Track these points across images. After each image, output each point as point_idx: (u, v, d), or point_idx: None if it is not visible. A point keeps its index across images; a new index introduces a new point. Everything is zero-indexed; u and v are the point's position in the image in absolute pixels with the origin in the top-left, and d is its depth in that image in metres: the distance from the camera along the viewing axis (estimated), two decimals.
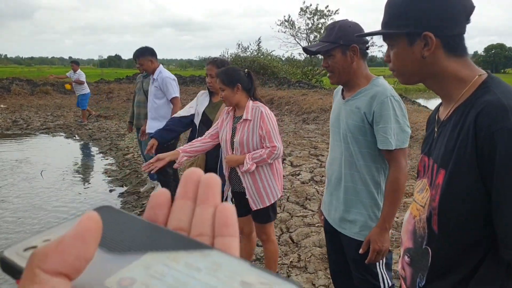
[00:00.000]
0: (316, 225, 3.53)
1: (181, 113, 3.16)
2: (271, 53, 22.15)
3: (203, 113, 2.98)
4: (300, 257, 3.06)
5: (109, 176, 5.82)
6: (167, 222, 0.26)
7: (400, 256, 1.19)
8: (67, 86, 10.88)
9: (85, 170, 6.42)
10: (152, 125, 4.00)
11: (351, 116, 1.67)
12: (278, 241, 3.36)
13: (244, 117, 2.36)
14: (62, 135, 9.11)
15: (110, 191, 5.20)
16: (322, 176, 4.88)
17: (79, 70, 10.09)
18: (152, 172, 2.29)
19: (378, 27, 1.14)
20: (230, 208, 0.25)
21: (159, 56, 4.09)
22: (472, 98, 0.96)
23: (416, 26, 1.00)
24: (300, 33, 25.83)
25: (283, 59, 23.91)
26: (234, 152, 2.41)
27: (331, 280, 2.15)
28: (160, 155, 2.29)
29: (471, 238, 0.94)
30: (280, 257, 3.07)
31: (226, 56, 22.26)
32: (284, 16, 31.27)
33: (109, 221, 0.23)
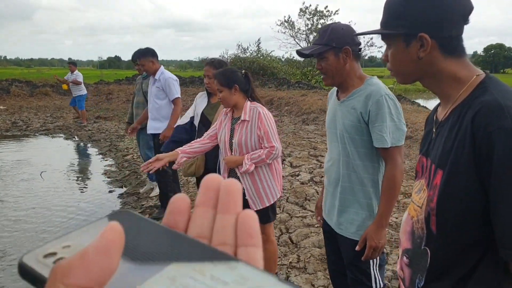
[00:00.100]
0: (316, 225, 3.53)
1: (183, 120, 3.17)
2: (270, 54, 22.17)
3: (202, 114, 2.99)
4: (300, 257, 3.06)
5: (108, 177, 5.82)
6: (187, 228, 0.25)
7: (398, 257, 1.19)
8: (64, 87, 10.90)
9: (84, 171, 6.42)
10: (153, 126, 4.01)
11: (347, 116, 1.68)
12: (278, 241, 3.36)
13: (242, 118, 2.36)
14: (62, 136, 9.11)
15: (110, 192, 5.19)
16: (322, 176, 4.88)
17: (76, 71, 10.11)
18: (150, 172, 2.29)
19: (377, 27, 1.15)
20: (252, 216, 0.25)
21: (159, 57, 4.09)
22: (470, 98, 0.96)
23: (412, 27, 1.01)
24: (300, 33, 25.88)
25: (283, 59, 23.95)
26: (233, 153, 2.41)
27: (330, 280, 2.15)
28: (159, 156, 2.29)
29: (469, 238, 0.94)
30: (280, 257, 3.06)
31: (226, 56, 22.28)
32: (285, 17, 31.29)
33: (129, 227, 0.23)
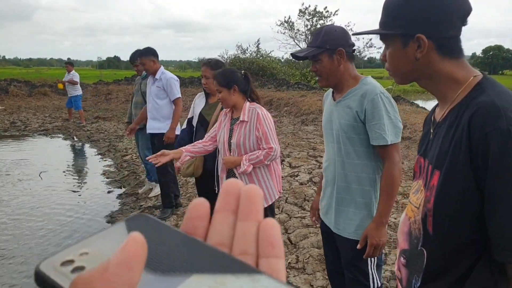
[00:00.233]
0: (316, 226, 3.53)
1: (184, 125, 3.22)
2: (270, 54, 22.19)
3: (200, 114, 2.99)
4: (298, 258, 3.06)
5: (107, 178, 5.81)
6: (207, 235, 0.25)
7: (396, 257, 1.19)
8: (60, 86, 10.89)
9: (83, 171, 6.42)
10: (153, 125, 4.01)
11: (343, 116, 1.70)
12: None
13: (241, 118, 2.36)
14: (61, 137, 9.11)
15: (109, 192, 5.19)
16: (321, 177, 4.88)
17: (73, 71, 10.12)
18: (157, 165, 2.30)
19: (376, 28, 1.15)
20: (274, 225, 0.24)
21: (158, 57, 4.10)
22: (467, 99, 0.96)
23: (410, 28, 1.01)
24: (299, 34, 25.90)
25: (282, 60, 23.97)
26: (231, 153, 2.42)
27: (328, 281, 2.15)
28: (164, 151, 2.31)
29: (466, 238, 0.95)
30: None
31: (225, 57, 22.29)
32: (285, 17, 31.32)
33: (148, 234, 0.22)
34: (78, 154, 7.74)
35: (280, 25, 26.36)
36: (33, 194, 5.05)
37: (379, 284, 1.80)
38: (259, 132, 2.31)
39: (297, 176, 5.07)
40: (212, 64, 2.92)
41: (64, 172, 6.22)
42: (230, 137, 2.42)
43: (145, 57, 3.90)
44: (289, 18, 26.66)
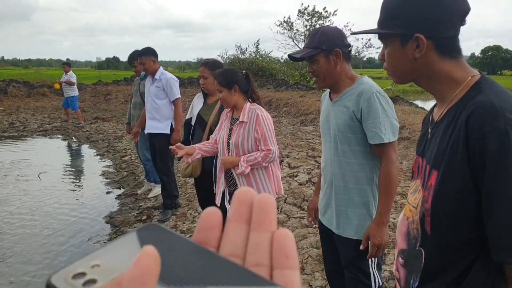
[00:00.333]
0: (313, 226, 3.53)
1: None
2: (269, 55, 22.20)
3: (198, 114, 2.99)
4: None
5: (106, 178, 5.81)
6: (220, 245, 0.24)
7: (395, 257, 1.19)
8: (56, 86, 10.90)
9: (82, 172, 6.41)
10: (152, 125, 4.00)
11: (340, 116, 1.71)
12: None
13: (240, 119, 2.36)
14: (60, 137, 9.10)
15: (108, 193, 5.19)
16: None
17: (70, 71, 10.13)
18: (177, 156, 2.38)
19: (375, 27, 1.15)
20: (289, 235, 0.24)
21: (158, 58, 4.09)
22: (465, 99, 0.96)
23: (408, 27, 1.01)
24: (299, 35, 25.91)
25: (281, 60, 23.96)
26: (229, 153, 2.42)
27: (327, 281, 2.15)
28: (180, 145, 2.37)
29: (463, 238, 0.95)
30: None
31: (225, 57, 22.30)
32: (284, 17, 31.35)
33: (160, 245, 0.22)
34: (77, 154, 7.73)
35: (279, 26, 26.39)
36: (32, 195, 5.04)
37: (380, 283, 1.80)
38: (258, 133, 2.31)
39: (296, 176, 5.07)
40: (210, 64, 2.92)
41: (63, 172, 6.21)
42: (229, 137, 2.42)
43: (145, 57, 3.89)
44: (289, 18, 26.64)
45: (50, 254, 3.49)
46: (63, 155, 7.54)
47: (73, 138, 8.97)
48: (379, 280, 1.80)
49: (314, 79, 1.81)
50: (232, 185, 2.50)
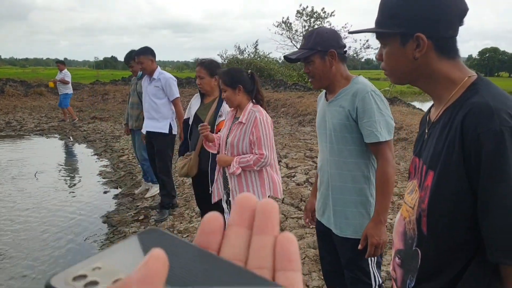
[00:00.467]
0: (311, 226, 3.53)
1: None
2: (268, 56, 22.21)
3: (195, 114, 2.99)
4: None
5: (103, 178, 5.79)
6: (221, 249, 0.24)
7: (391, 258, 1.19)
8: (51, 84, 10.88)
9: (79, 171, 6.39)
10: (150, 125, 4.00)
11: (336, 116, 1.72)
12: None
13: (239, 119, 2.36)
14: (57, 137, 9.07)
15: (105, 192, 5.17)
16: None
17: (65, 70, 10.13)
18: (203, 134, 2.47)
19: (373, 27, 1.15)
20: (292, 239, 0.24)
21: (156, 58, 4.09)
22: (461, 99, 0.97)
23: (409, 27, 1.01)
24: (297, 35, 25.95)
25: (280, 61, 23.98)
26: (226, 152, 2.42)
27: (324, 281, 2.15)
28: (208, 127, 2.49)
29: (459, 239, 0.95)
30: None
31: (224, 56, 22.29)
32: (283, 18, 31.37)
33: (163, 249, 0.22)
34: (75, 154, 7.71)
35: (277, 26, 26.42)
36: (29, 194, 5.02)
37: (380, 282, 1.81)
38: (253, 136, 2.29)
39: (293, 176, 5.07)
40: (206, 64, 2.91)
41: (60, 172, 6.19)
42: (228, 135, 2.43)
43: (143, 56, 3.88)
44: (287, 19, 26.68)
45: (48, 252, 3.48)
46: (60, 155, 7.51)
47: (71, 137, 8.95)
48: (379, 279, 1.81)
49: (309, 80, 1.82)
50: (225, 184, 2.51)
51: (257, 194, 2.38)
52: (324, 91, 1.88)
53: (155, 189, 4.66)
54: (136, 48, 4.10)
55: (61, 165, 6.61)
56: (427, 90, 1.08)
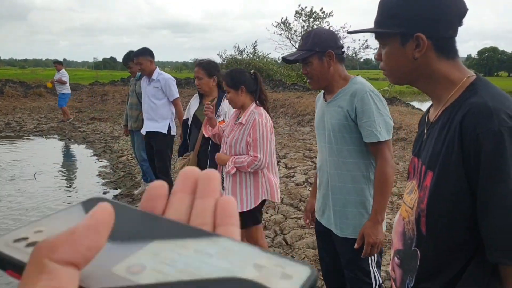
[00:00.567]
0: (311, 227, 3.54)
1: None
2: (267, 56, 22.22)
3: (194, 115, 2.99)
4: (294, 258, 3.06)
5: (103, 179, 5.79)
6: (164, 213, 0.25)
7: (391, 258, 1.19)
8: (49, 85, 10.91)
9: (79, 172, 6.39)
10: (149, 125, 4.00)
11: (335, 116, 1.72)
12: (272, 243, 3.36)
13: (240, 120, 2.36)
14: (56, 138, 9.06)
15: (104, 193, 5.17)
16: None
17: (62, 70, 10.17)
18: (208, 115, 2.47)
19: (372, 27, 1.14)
20: (231, 200, 0.25)
21: (155, 58, 4.09)
22: (460, 99, 0.97)
23: (409, 27, 1.01)
24: (296, 35, 25.96)
25: (279, 61, 23.99)
26: (226, 151, 2.43)
27: (323, 281, 2.15)
28: (212, 109, 2.50)
29: (458, 239, 0.95)
30: None
31: (224, 56, 22.29)
32: (282, 18, 31.40)
33: None
34: (74, 155, 7.70)
35: (276, 26, 26.43)
36: (29, 195, 5.02)
37: (380, 282, 1.82)
38: (250, 138, 2.28)
39: (293, 177, 5.07)
40: (204, 64, 2.91)
41: (59, 173, 6.19)
42: (229, 135, 2.44)
43: (142, 57, 3.88)
44: (286, 19, 26.70)
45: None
46: (60, 156, 7.51)
47: (70, 138, 8.94)
48: (379, 278, 1.81)
49: (308, 80, 1.83)
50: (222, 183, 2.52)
51: (250, 195, 2.36)
52: (322, 91, 1.88)
53: None
54: (135, 48, 4.10)
55: (61, 166, 6.60)
56: (426, 90, 1.09)
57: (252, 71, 2.46)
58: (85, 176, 6.08)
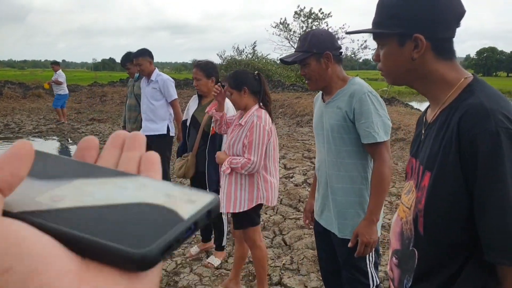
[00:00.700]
0: (310, 227, 3.54)
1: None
2: (266, 57, 22.24)
3: (193, 116, 2.99)
4: (293, 259, 3.07)
5: None
6: (95, 163, 0.27)
7: (389, 258, 1.20)
8: (46, 86, 10.91)
9: None
10: (148, 127, 3.99)
11: (333, 117, 1.72)
12: (271, 243, 3.36)
13: (240, 120, 2.35)
14: (55, 139, 9.05)
15: None
16: None
17: (59, 70, 10.17)
18: (216, 96, 2.43)
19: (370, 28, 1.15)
20: (155, 154, 0.28)
21: (154, 59, 4.09)
22: (457, 100, 0.97)
23: (408, 27, 1.01)
24: (295, 36, 26.00)
25: (278, 62, 24.00)
26: (226, 150, 2.43)
27: (322, 281, 2.16)
28: (222, 91, 2.43)
29: (456, 239, 0.95)
30: (273, 259, 3.07)
31: (223, 57, 22.31)
32: (281, 19, 31.47)
33: (37, 158, 0.24)
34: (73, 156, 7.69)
35: (275, 27, 26.47)
36: None
37: (378, 282, 1.82)
38: (247, 139, 2.27)
39: (292, 177, 5.07)
40: (202, 65, 2.91)
41: None
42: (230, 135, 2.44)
43: (142, 58, 3.89)
44: (285, 19, 26.73)
45: None
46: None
47: (69, 139, 8.94)
48: (377, 279, 1.81)
49: (306, 81, 1.84)
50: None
51: (244, 198, 2.34)
52: (320, 92, 1.89)
53: None
54: (134, 49, 4.10)
55: None
56: (423, 91, 1.09)
57: (256, 72, 2.45)
58: None
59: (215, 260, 3.04)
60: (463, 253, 0.95)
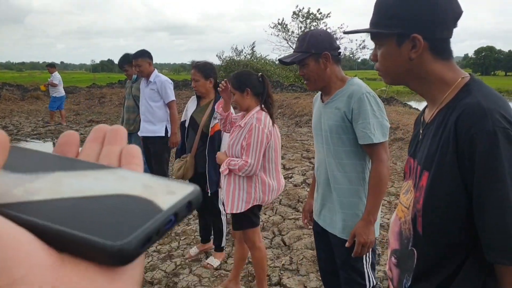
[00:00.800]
0: (309, 227, 3.54)
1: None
2: (265, 57, 22.26)
3: (191, 117, 2.99)
4: (292, 259, 3.07)
5: None
6: (76, 158, 0.27)
7: (388, 257, 1.20)
8: (42, 88, 10.91)
9: None
10: (146, 128, 3.99)
11: (332, 117, 1.73)
12: (270, 244, 3.36)
13: (240, 122, 2.35)
14: (54, 141, 9.04)
15: None
16: None
17: (55, 73, 10.17)
18: (223, 92, 2.42)
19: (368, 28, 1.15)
20: (135, 146, 0.28)
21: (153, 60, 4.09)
22: (454, 100, 0.98)
23: (406, 27, 1.01)
24: (293, 36, 26.02)
25: (276, 62, 24.03)
26: (227, 151, 2.43)
27: (322, 281, 2.16)
28: (228, 87, 2.41)
29: (454, 239, 0.95)
30: (272, 260, 3.07)
31: (222, 57, 22.31)
32: (279, 19, 31.49)
33: (15, 153, 0.24)
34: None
35: (273, 28, 26.49)
36: None
37: (375, 283, 1.82)
38: (245, 141, 2.27)
39: (291, 177, 5.08)
40: (200, 67, 2.91)
41: None
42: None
43: (141, 59, 3.88)
44: (283, 20, 26.76)
45: None
46: None
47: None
48: (374, 279, 1.81)
49: (305, 82, 1.84)
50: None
51: (240, 198, 2.34)
52: (319, 92, 1.89)
53: None
54: (133, 51, 4.09)
55: None
56: (420, 91, 1.09)
57: (260, 73, 2.44)
58: None
59: (214, 261, 3.04)
60: (461, 252, 0.95)
